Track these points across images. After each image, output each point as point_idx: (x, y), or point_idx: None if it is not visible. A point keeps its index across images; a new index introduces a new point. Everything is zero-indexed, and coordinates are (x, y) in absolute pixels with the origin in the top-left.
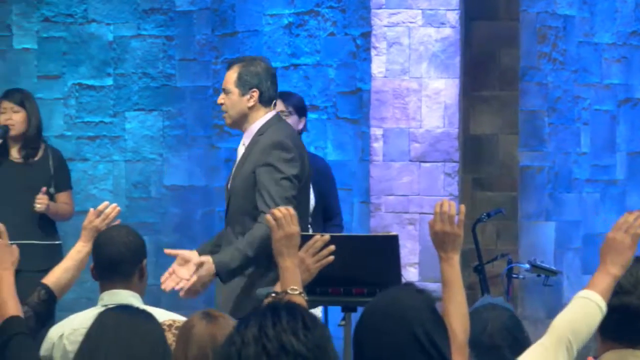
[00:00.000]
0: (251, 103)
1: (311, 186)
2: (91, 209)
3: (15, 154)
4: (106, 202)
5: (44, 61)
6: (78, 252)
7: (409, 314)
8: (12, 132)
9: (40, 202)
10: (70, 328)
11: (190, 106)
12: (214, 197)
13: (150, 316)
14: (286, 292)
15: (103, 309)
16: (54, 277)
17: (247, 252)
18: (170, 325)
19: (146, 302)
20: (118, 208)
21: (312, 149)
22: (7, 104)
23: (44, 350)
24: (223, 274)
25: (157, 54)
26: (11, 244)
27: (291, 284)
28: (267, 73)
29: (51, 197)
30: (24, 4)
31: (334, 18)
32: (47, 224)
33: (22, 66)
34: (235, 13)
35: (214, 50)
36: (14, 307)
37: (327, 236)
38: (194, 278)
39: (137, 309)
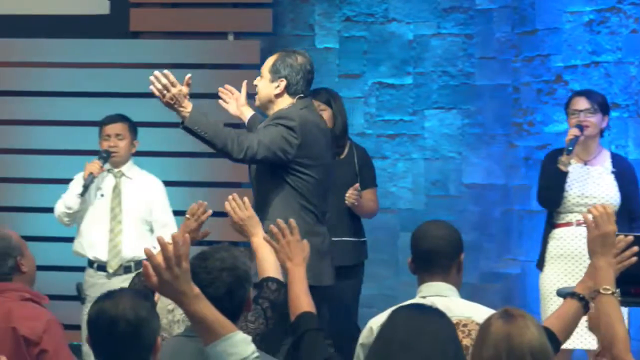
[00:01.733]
0: (277, 91)
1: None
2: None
3: None
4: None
5: (345, 60)
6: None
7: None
8: None
9: (351, 197)
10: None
11: (489, 104)
12: (513, 196)
13: (442, 315)
14: (598, 292)
15: (422, 300)
16: (274, 267)
17: (220, 139)
18: (457, 324)
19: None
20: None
21: (612, 148)
22: (314, 103)
23: (363, 337)
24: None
25: (457, 53)
26: None
27: (604, 283)
28: (301, 68)
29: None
30: (326, 4)
31: (637, 14)
32: (354, 221)
33: (323, 65)
34: (535, 11)
35: (514, 48)
36: (306, 303)
37: (630, 237)
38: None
39: (429, 307)
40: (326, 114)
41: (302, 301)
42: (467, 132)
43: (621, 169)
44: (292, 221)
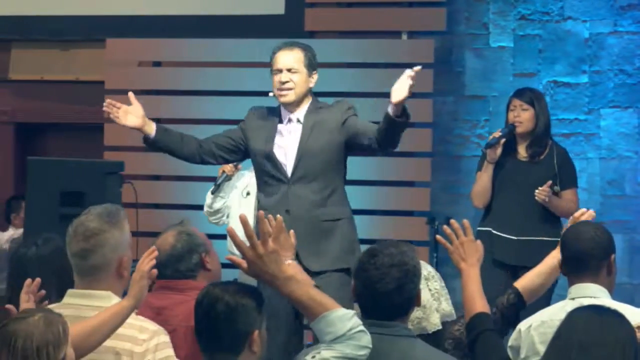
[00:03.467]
0: (312, 84)
1: None
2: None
3: (522, 151)
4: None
5: (520, 59)
6: (553, 257)
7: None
8: (519, 130)
9: (541, 194)
10: (540, 320)
11: None
12: None
13: (621, 316)
14: None
15: (571, 302)
16: (526, 281)
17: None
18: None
19: (620, 300)
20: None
21: None
22: (517, 102)
23: (512, 340)
24: None
25: (634, 51)
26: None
27: None
28: None
29: (556, 194)
30: (501, 3)
31: None
32: (551, 220)
33: (498, 64)
34: None
35: None
36: (481, 304)
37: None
38: None
39: (608, 309)
40: (528, 113)
41: (477, 302)
42: None
43: None
44: (466, 221)
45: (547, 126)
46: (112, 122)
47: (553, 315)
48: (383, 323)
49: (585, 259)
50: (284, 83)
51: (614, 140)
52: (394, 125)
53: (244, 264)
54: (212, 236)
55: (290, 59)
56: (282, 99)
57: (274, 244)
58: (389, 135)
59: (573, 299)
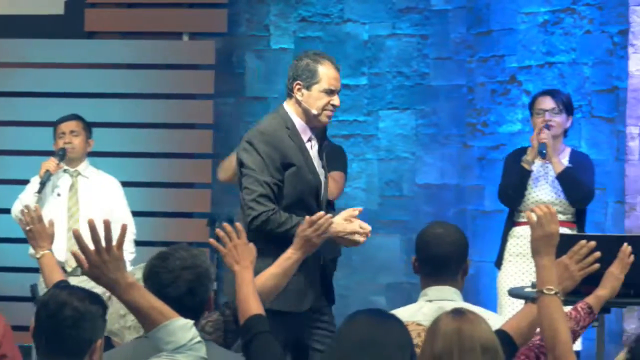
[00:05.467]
0: None
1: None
2: (307, 217)
3: None
4: (321, 213)
5: None
6: (287, 259)
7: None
8: None
9: None
10: None
11: (444, 105)
12: (467, 196)
13: (398, 320)
14: (542, 292)
15: (428, 304)
16: (259, 282)
17: None
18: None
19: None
20: (331, 220)
21: None
22: None
23: None
24: None
25: (412, 53)
26: None
27: (548, 283)
28: None
29: None
30: (282, 5)
31: (591, 15)
32: None
33: (279, 66)
34: (490, 11)
35: (469, 48)
36: (255, 306)
37: (592, 243)
38: None
39: (387, 313)
40: None
41: (251, 304)
42: (422, 132)
43: (577, 162)
44: (239, 224)
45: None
46: None
47: (410, 317)
48: None
49: (446, 262)
50: (336, 107)
51: (392, 141)
52: None
53: (85, 264)
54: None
55: (340, 80)
56: (327, 121)
57: (118, 250)
58: None
59: (430, 300)
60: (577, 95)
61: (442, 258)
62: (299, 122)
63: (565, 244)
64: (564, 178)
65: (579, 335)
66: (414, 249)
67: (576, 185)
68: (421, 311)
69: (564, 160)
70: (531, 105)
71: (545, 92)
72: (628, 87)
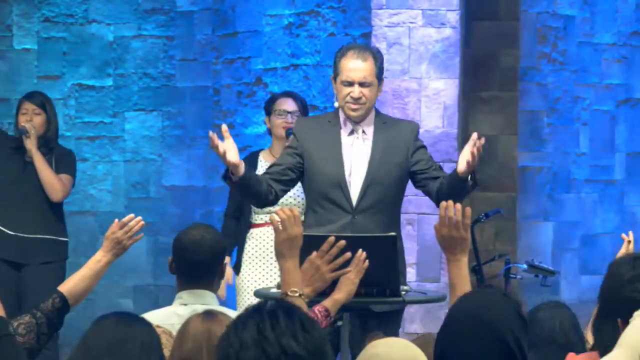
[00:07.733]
0: (379, 93)
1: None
2: (116, 220)
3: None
4: (131, 215)
5: (45, 61)
6: (97, 261)
7: (499, 320)
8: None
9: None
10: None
11: (190, 106)
12: (213, 198)
13: (148, 323)
14: (286, 294)
15: (183, 307)
16: (70, 285)
17: None
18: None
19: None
20: (142, 222)
21: None
22: (29, 106)
23: None
24: None
25: (158, 54)
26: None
27: (292, 285)
28: None
29: None
30: (24, 5)
31: (335, 18)
32: (56, 220)
33: (22, 66)
34: (235, 13)
35: (215, 50)
36: None
37: (342, 242)
38: None
39: (134, 315)
40: (40, 118)
41: None
42: (168, 134)
43: None
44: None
45: (57, 130)
46: None
47: (164, 319)
48: None
49: (203, 268)
50: (357, 100)
51: (138, 143)
52: (463, 189)
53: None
54: None
55: (363, 71)
56: (353, 114)
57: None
58: (453, 195)
59: (185, 304)
60: (322, 97)
61: (199, 265)
62: (342, 115)
63: (312, 245)
64: None
65: None
66: (160, 251)
67: None
68: (175, 314)
69: None
70: (269, 105)
71: (287, 94)
72: None
